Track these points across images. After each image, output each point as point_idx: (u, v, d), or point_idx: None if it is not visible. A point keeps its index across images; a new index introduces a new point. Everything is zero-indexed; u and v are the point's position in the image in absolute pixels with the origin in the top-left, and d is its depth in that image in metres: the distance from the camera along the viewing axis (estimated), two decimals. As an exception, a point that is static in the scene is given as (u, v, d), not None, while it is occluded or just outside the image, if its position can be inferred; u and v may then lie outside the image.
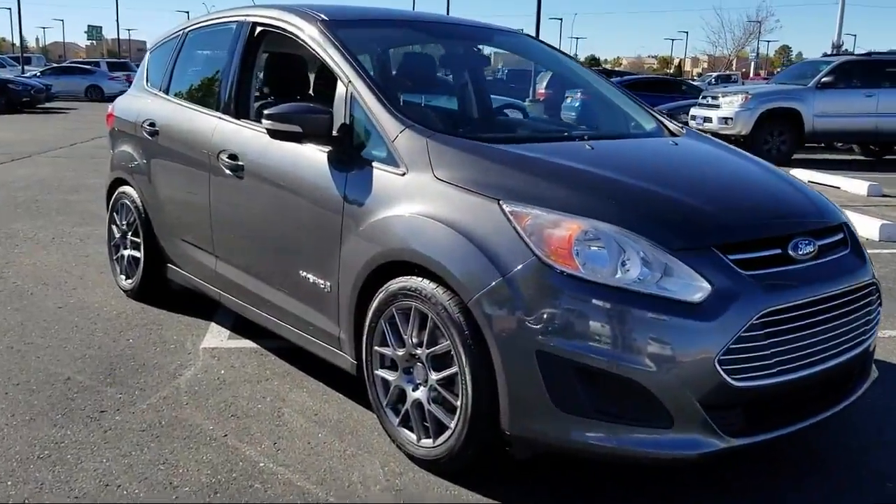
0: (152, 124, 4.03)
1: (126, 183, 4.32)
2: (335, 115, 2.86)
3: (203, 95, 3.93)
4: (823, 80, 12.46)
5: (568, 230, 2.22)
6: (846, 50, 26.20)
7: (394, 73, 3.52)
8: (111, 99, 21.50)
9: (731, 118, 12.65)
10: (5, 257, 5.24)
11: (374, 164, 2.72)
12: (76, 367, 3.36)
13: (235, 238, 3.44)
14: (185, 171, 3.74)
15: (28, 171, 9.56)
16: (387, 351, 2.64)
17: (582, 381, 2.15)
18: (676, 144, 3.11)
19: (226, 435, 2.78)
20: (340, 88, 2.92)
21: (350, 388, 3.10)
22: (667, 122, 3.44)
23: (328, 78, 3.19)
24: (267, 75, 3.66)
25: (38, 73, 29.56)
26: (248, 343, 3.72)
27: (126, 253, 4.38)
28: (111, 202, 4.48)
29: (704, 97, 14.10)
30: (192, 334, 3.83)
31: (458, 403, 2.38)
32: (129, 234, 4.32)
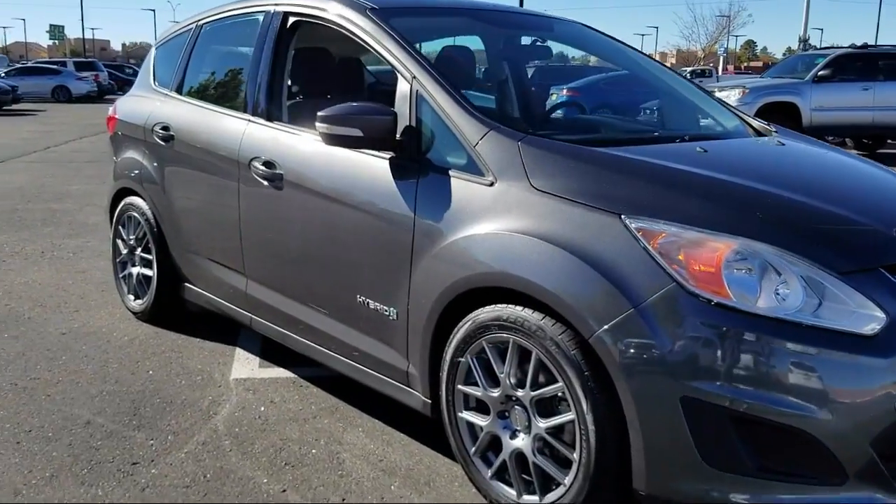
0: (165, 128, 3.62)
1: (134, 193, 3.90)
2: (398, 116, 2.48)
3: (226, 96, 3.54)
4: (820, 73, 12.30)
5: (715, 251, 1.87)
6: (812, 45, 26.25)
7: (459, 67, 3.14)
8: (79, 100, 21.16)
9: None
10: (-8, 275, 4.78)
11: (451, 172, 2.35)
12: (94, 408, 2.95)
13: (272, 257, 3.05)
14: (208, 181, 3.34)
15: (3, 178, 9.02)
16: (474, 391, 2.28)
17: (738, 431, 1.81)
18: (783, 145, 2.79)
19: (284, 490, 2.40)
20: (402, 86, 2.55)
21: (413, 426, 2.74)
22: (749, 119, 3.12)
23: (383, 74, 2.82)
24: (303, 72, 3.27)
25: (3, 74, 28.59)
26: (282, 372, 3.33)
27: (135, 271, 3.96)
28: (116, 214, 4.06)
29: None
30: (219, 363, 3.44)
31: (575, 456, 2.02)
32: (139, 249, 3.90)
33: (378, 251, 2.53)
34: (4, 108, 22.27)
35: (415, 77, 2.51)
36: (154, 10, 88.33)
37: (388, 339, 2.56)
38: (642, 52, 3.68)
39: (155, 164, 3.70)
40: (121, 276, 4.11)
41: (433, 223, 2.34)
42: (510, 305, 2.14)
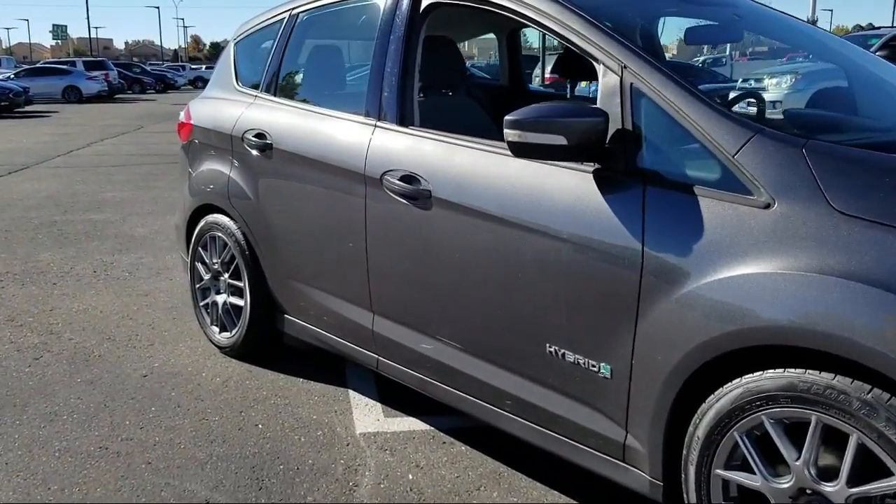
0: (260, 136, 3.08)
1: (219, 210, 3.37)
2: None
3: (339, 97, 3.01)
4: (877, 55, 11.67)
5: None
6: (868, 25, 25.68)
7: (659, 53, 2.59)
8: (90, 100, 20.57)
9: (781, 101, 11.83)
10: (45, 302, 4.26)
11: (698, 190, 1.81)
12: (209, 479, 2.43)
13: (412, 290, 2.52)
14: (322, 198, 2.81)
15: (32, 185, 8.51)
16: (744, 478, 1.75)
17: None
18: None
19: None
20: (609, 79, 2.00)
21: (607, 497, 2.21)
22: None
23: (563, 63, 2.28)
24: (432, 66, 2.73)
25: (12, 76, 28.11)
26: (414, 423, 2.81)
27: (220, 299, 3.44)
28: (195, 235, 3.53)
29: (746, 80, 13.27)
30: (335, 411, 2.91)
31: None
32: (226, 275, 3.37)
33: (581, 290, 2.00)
34: (17, 110, 21.78)
35: (625, 67, 1.97)
36: (158, 8, 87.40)
37: (595, 401, 2.03)
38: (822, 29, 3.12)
39: (247, 177, 3.16)
40: (202, 304, 3.59)
41: (675, 257, 1.80)
42: (810, 371, 1.60)
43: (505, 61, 3.93)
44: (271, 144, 3.02)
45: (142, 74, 39.95)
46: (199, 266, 3.56)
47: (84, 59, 35.42)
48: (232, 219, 3.28)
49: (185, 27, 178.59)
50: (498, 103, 3.43)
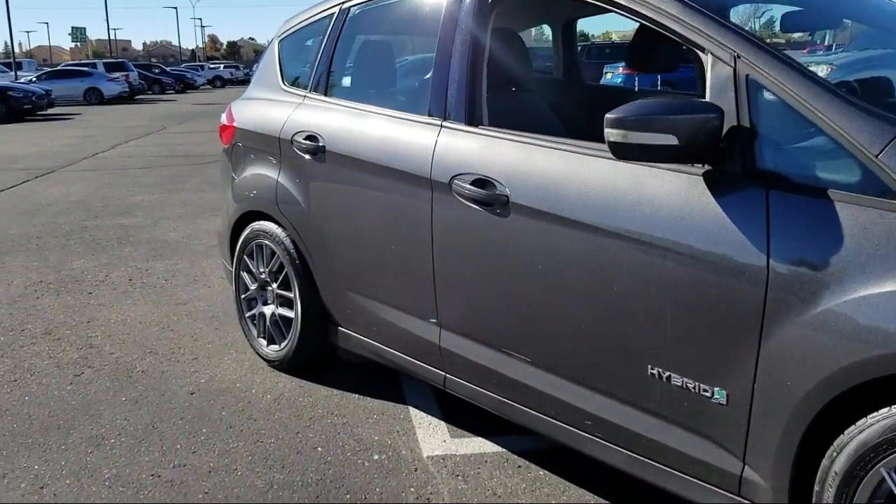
0: (312, 139, 2.90)
1: (266, 217, 3.20)
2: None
3: (397, 96, 2.82)
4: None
5: None
6: None
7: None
8: (111, 102, 20.53)
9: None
10: (82, 312, 4.11)
11: (832, 193, 1.60)
12: (271, 511, 2.25)
13: (487, 304, 2.32)
14: (381, 204, 2.62)
15: (59, 190, 8.40)
16: (894, 519, 1.54)
17: None
18: None
19: None
20: (719, 70, 1.80)
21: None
22: None
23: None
24: (497, 61, 2.53)
25: (34, 78, 28.23)
26: (484, 444, 2.62)
27: (267, 311, 3.27)
28: (240, 243, 3.35)
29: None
30: (397, 431, 2.73)
31: None
32: (274, 285, 3.20)
33: (691, 307, 1.79)
34: (39, 112, 21.82)
35: (739, 56, 1.76)
36: (176, 8, 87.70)
37: (705, 429, 1.83)
38: None
39: (297, 182, 2.98)
40: (247, 315, 3.42)
41: (808, 271, 1.59)
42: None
43: (561, 53, 3.72)
44: (324, 147, 2.84)
45: (161, 75, 40.06)
46: (245, 276, 3.39)
47: (105, 60, 35.51)
48: (280, 226, 3.11)
49: (202, 27, 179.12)
50: (559, 98, 3.23)
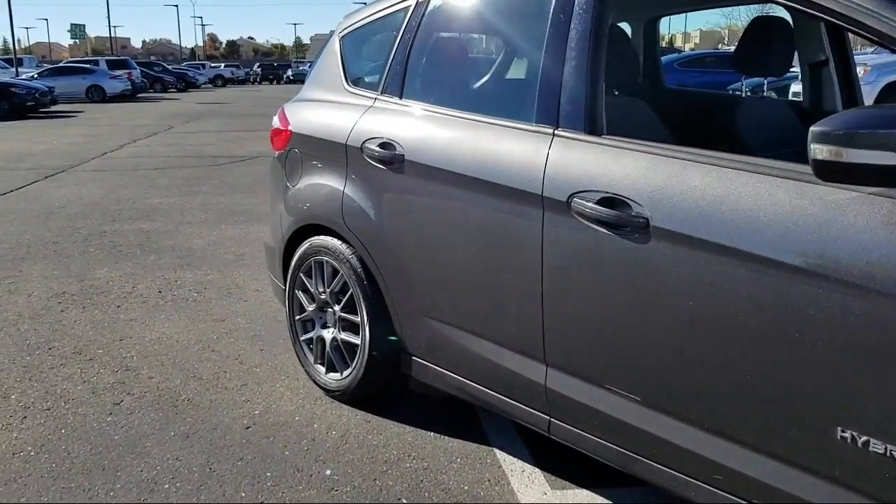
0: (387, 146, 2.59)
1: (328, 232, 2.89)
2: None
3: (489, 99, 2.51)
4: None
5: None
6: None
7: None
8: (113, 99, 20.32)
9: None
10: (113, 329, 3.80)
11: None
12: (365, 582, 1.94)
13: (613, 343, 2.01)
14: (476, 222, 2.31)
15: (71, 191, 8.08)
16: None
17: None
18: None
19: None
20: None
21: None
22: None
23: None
24: (625, 62, 2.23)
25: (36, 75, 27.87)
26: (591, 498, 2.33)
27: (327, 335, 2.96)
28: (295, 260, 3.05)
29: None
30: (487, 479, 2.42)
31: None
32: (337, 308, 2.89)
33: (900, 360, 1.48)
34: (42, 110, 21.48)
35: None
36: (177, 6, 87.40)
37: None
38: None
39: (368, 194, 2.68)
40: (303, 339, 3.11)
41: None
42: None
43: (640, 54, 3.41)
44: (402, 156, 2.53)
45: (163, 73, 39.69)
46: (301, 295, 3.08)
47: (107, 58, 35.12)
48: (346, 242, 2.80)
49: (202, 25, 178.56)
50: (693, 108, 2.92)
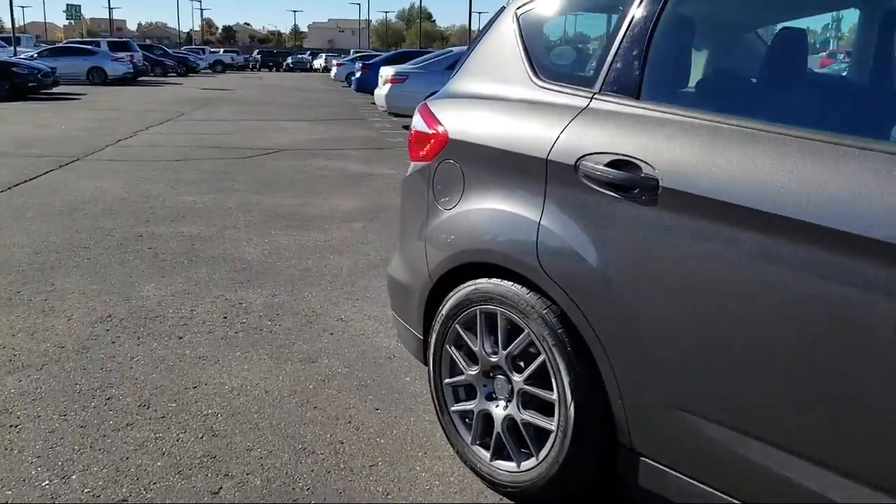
0: (623, 165, 1.86)
1: (506, 274, 2.15)
2: None
3: (798, 105, 1.77)
4: None
5: None
6: None
7: None
8: (114, 82, 19.58)
9: None
10: (181, 370, 3.05)
11: None
12: None
13: None
14: (790, 285, 1.58)
15: (91, 184, 7.30)
16: None
17: None
18: None
19: None
20: None
21: None
22: None
23: None
24: None
25: (35, 55, 26.86)
26: None
27: (497, 411, 2.24)
28: (448, 306, 2.31)
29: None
30: None
31: None
32: (518, 377, 2.16)
33: None
34: (43, 91, 20.57)
35: None
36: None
37: None
38: None
39: (585, 230, 1.94)
40: (454, 409, 2.38)
41: None
42: None
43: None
44: (656, 182, 1.79)
45: (163, 57, 38.68)
46: (454, 353, 2.35)
47: (109, 39, 34.09)
48: (538, 292, 2.06)
49: (201, 10, 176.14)
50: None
